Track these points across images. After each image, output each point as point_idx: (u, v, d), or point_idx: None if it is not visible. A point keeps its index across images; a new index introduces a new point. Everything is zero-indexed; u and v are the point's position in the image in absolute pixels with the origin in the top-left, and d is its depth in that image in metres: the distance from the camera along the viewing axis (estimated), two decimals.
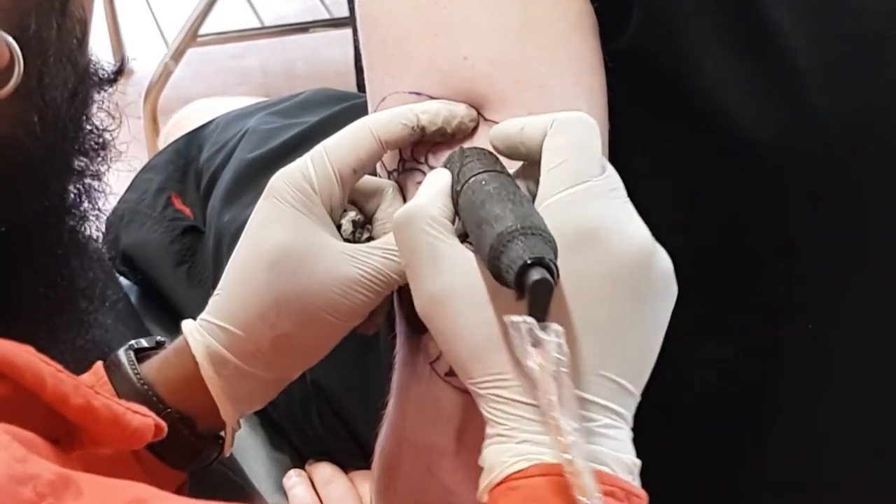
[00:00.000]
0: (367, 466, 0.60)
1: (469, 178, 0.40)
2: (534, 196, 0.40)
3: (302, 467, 0.66)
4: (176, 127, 0.92)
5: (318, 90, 0.87)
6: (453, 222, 0.40)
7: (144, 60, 1.57)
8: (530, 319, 0.35)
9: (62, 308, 0.41)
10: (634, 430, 0.39)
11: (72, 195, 0.41)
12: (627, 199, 0.39)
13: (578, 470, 0.34)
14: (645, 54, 0.46)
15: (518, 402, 0.37)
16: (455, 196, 0.41)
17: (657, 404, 0.39)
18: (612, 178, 0.39)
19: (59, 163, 0.39)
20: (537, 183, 0.40)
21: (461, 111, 0.44)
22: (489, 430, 0.38)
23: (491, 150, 0.43)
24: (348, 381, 0.63)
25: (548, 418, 0.35)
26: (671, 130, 0.48)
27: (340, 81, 1.51)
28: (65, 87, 0.38)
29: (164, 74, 1.48)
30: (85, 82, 0.39)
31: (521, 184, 0.41)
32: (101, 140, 0.42)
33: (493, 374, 0.37)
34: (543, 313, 0.35)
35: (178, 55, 1.49)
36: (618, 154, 0.46)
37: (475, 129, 0.45)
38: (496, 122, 0.44)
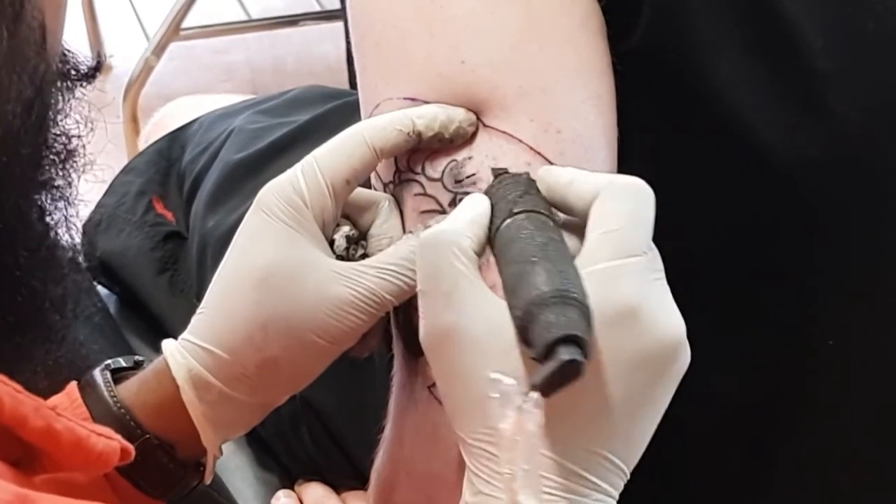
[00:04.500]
0: (360, 486, 0.59)
1: (514, 215, 0.38)
2: (574, 253, 0.38)
3: (291, 487, 0.65)
4: (157, 126, 0.90)
5: (308, 87, 0.85)
6: (480, 254, 0.38)
7: (124, 55, 1.55)
8: (511, 381, 0.34)
9: (25, 328, 0.38)
10: (649, 449, 0.38)
11: (32, 213, 0.38)
12: (666, 283, 0.38)
13: None
14: (655, 55, 0.45)
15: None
16: (493, 229, 0.38)
17: (674, 421, 0.38)
18: (656, 257, 0.38)
19: (11, 182, 0.36)
20: (581, 237, 0.38)
21: (459, 115, 0.43)
22: (471, 486, 0.36)
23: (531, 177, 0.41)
24: (340, 397, 0.62)
25: (507, 490, 0.34)
26: (682, 134, 0.47)
27: (332, 78, 1.50)
28: (18, 100, 0.35)
29: (145, 70, 1.45)
30: (44, 93, 0.37)
31: (565, 236, 0.39)
32: (69, 148, 0.39)
33: (489, 427, 0.35)
34: (551, 392, 0.34)
35: (159, 50, 1.47)
36: (626, 159, 0.45)
37: (474, 134, 0.43)
38: (497, 129, 0.43)
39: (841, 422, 0.49)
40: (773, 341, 0.48)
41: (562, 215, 0.40)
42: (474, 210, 0.39)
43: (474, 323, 0.36)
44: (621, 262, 0.36)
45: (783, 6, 0.44)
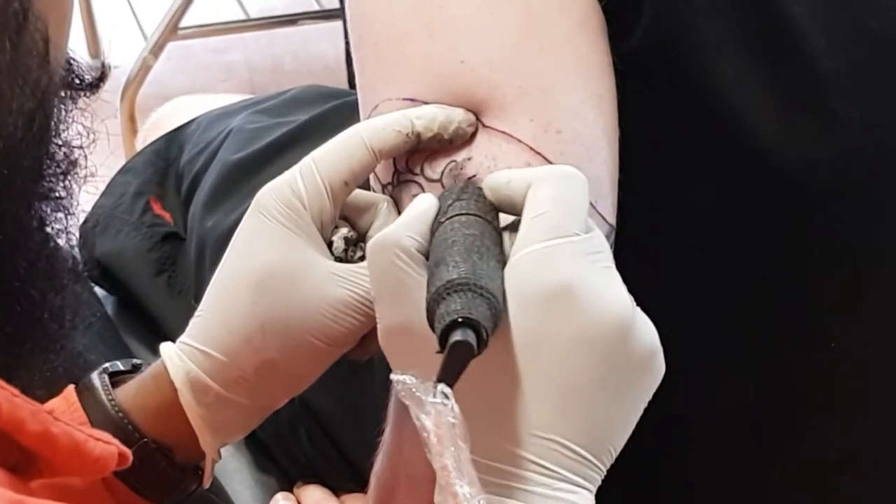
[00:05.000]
0: (359, 489, 0.58)
1: (452, 216, 0.38)
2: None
3: (290, 490, 0.64)
4: (155, 126, 0.90)
5: (306, 87, 0.85)
6: (427, 250, 0.38)
7: (121, 55, 1.54)
8: (411, 379, 0.34)
9: (24, 338, 0.38)
10: (652, 449, 0.37)
11: (33, 224, 0.38)
12: (612, 265, 0.37)
13: None
14: (656, 55, 0.45)
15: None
16: (434, 228, 0.39)
17: (674, 421, 0.37)
18: (597, 240, 0.37)
19: (13, 193, 0.36)
20: None
21: (458, 116, 0.42)
22: (437, 484, 0.35)
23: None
24: (339, 399, 0.61)
25: (443, 483, 0.33)
26: (683, 134, 0.46)
27: (330, 77, 1.49)
28: (20, 113, 0.35)
29: (143, 70, 1.44)
30: (46, 105, 0.36)
31: (507, 238, 0.39)
32: (70, 159, 0.39)
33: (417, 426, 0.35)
34: (453, 379, 0.33)
35: (157, 49, 1.46)
36: (628, 161, 0.44)
37: (474, 135, 0.43)
38: (496, 129, 0.42)
39: (841, 422, 0.49)
40: (774, 341, 0.48)
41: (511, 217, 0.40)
42: (416, 209, 0.39)
43: (417, 321, 0.36)
44: (553, 243, 0.36)
45: (785, 6, 0.44)
